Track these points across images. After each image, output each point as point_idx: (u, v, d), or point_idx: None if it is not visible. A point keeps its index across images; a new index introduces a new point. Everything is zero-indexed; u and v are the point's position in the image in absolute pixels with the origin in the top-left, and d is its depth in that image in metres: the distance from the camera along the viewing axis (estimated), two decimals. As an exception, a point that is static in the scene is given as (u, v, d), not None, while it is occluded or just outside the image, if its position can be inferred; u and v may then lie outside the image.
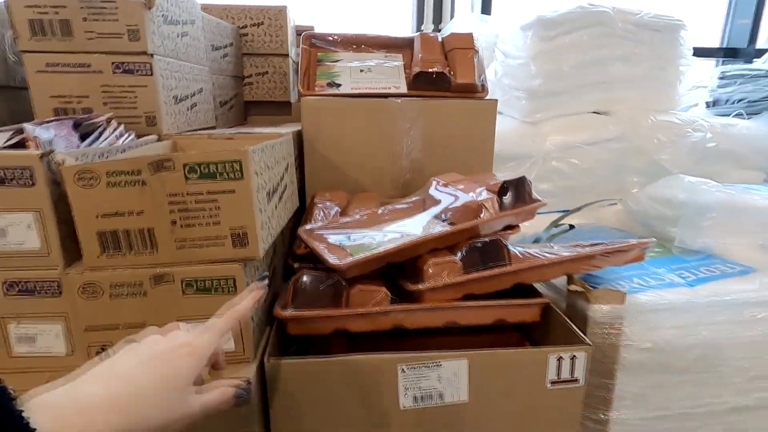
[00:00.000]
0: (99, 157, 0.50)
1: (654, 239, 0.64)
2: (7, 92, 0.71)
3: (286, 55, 1.20)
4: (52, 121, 0.55)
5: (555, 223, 0.94)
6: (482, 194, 0.66)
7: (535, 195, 0.69)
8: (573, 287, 0.65)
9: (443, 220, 0.65)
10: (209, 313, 0.47)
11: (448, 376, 0.52)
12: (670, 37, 1.12)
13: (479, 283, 0.58)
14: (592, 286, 0.64)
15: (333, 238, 0.62)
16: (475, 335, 0.65)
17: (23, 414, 0.23)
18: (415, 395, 0.52)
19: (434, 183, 0.75)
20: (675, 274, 0.72)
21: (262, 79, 1.22)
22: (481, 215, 0.61)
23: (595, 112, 1.14)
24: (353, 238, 0.63)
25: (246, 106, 1.24)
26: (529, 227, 1.01)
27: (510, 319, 0.59)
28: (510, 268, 0.58)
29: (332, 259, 0.55)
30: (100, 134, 0.59)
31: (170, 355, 0.31)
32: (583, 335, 0.54)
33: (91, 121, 0.60)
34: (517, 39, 1.10)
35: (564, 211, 1.00)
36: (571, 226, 0.94)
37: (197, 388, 0.31)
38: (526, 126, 1.11)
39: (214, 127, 0.95)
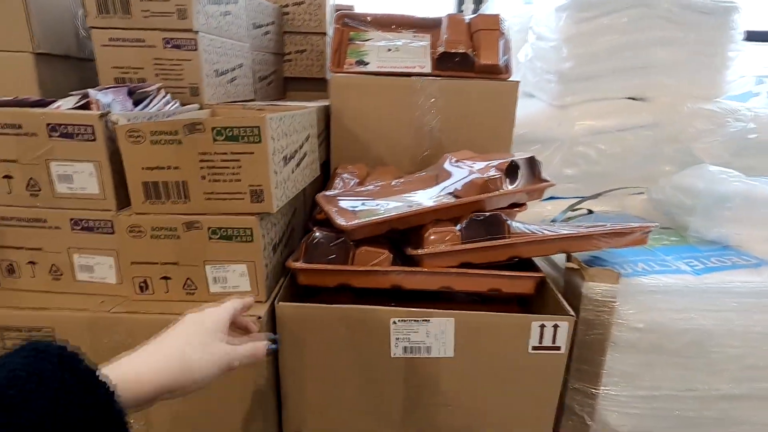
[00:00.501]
0: (146, 119, 0.59)
1: (657, 223, 0.66)
2: (78, 63, 0.82)
3: (324, 34, 1.26)
4: (110, 87, 0.65)
5: (572, 207, 0.95)
6: (490, 171, 0.69)
7: (544, 175, 0.71)
8: (570, 264, 0.67)
9: (450, 194, 0.69)
10: (230, 258, 0.55)
11: (436, 332, 0.57)
12: (720, 21, 1.06)
13: (476, 252, 0.62)
14: (589, 266, 0.66)
15: (345, 204, 0.69)
16: (473, 306, 0.70)
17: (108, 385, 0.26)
18: (405, 346, 0.58)
19: (448, 159, 0.79)
20: (683, 261, 0.72)
21: (300, 56, 1.29)
22: (487, 192, 0.65)
23: (629, 98, 1.11)
24: (365, 205, 0.69)
25: (285, 82, 1.32)
26: (552, 211, 1.03)
27: (505, 289, 0.63)
28: (506, 241, 0.62)
29: (340, 221, 0.61)
30: (151, 101, 0.68)
31: (202, 317, 0.38)
32: (568, 307, 0.57)
33: (143, 90, 0.69)
34: (551, 20, 1.08)
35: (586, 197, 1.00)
36: (590, 211, 0.95)
37: (233, 344, 0.38)
38: (554, 109, 1.10)
39: (253, 100, 1.04)
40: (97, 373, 0.26)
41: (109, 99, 0.61)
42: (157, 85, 0.71)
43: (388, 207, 0.65)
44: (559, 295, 0.60)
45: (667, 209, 0.91)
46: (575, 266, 0.66)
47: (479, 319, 0.57)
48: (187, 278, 0.57)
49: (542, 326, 0.56)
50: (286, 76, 1.31)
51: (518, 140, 0.96)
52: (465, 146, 0.85)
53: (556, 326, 0.56)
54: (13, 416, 0.21)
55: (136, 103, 0.67)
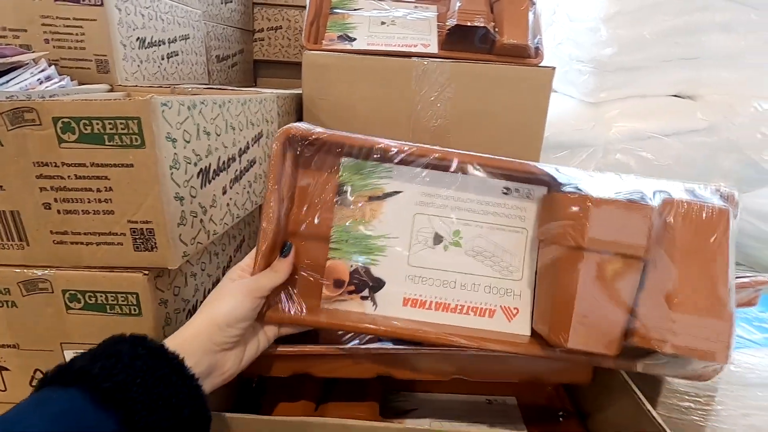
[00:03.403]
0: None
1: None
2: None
3: (304, 8, 1.03)
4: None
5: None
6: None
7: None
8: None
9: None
10: (105, 338, 0.32)
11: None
12: (793, 1, 0.86)
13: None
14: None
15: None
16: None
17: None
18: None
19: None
20: (790, 324, 0.51)
21: (274, 34, 1.05)
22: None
23: (676, 96, 0.91)
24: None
25: (256, 66, 1.08)
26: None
27: (546, 379, 0.41)
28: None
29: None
30: (17, 76, 0.44)
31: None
32: (658, 418, 0.36)
33: (8, 59, 0.45)
34: (586, -4, 0.87)
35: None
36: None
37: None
38: (585, 107, 0.89)
39: (205, 85, 0.80)
40: (165, 346, 0.28)
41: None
42: (32, 54, 0.48)
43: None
44: (638, 391, 0.39)
45: (739, 240, 0.70)
46: (653, 340, 0.44)
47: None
48: (36, 369, 0.34)
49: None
50: (257, 58, 1.07)
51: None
52: (481, 151, 0.63)
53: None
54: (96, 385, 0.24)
55: (-9, 79, 0.43)
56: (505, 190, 0.38)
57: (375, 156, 0.37)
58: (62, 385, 0.24)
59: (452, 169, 0.37)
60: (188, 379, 0.28)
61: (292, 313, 0.35)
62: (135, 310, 0.32)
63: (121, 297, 0.32)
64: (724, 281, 0.31)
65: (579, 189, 0.34)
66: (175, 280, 0.35)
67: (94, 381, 0.24)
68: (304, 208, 0.37)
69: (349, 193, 0.38)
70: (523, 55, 0.66)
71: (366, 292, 0.37)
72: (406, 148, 0.37)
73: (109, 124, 0.28)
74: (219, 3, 0.86)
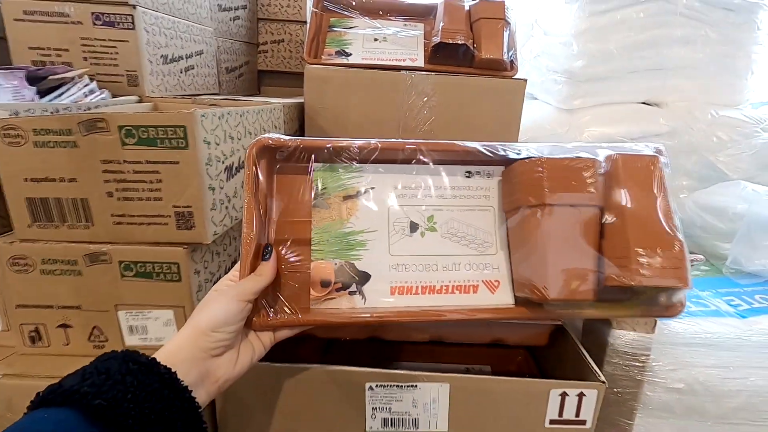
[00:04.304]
0: (38, 113, 0.44)
1: (701, 256, 0.53)
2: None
3: (304, 23, 1.12)
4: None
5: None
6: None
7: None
8: (592, 306, 0.54)
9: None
10: (151, 301, 0.41)
11: (426, 401, 0.44)
12: (744, 19, 0.95)
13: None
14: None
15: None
16: (471, 346, 0.56)
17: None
18: (385, 418, 0.44)
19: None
20: (723, 300, 0.60)
21: (277, 47, 1.14)
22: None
23: (644, 103, 1.00)
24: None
25: (260, 76, 1.17)
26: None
27: (510, 341, 0.50)
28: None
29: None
30: (67, 90, 0.53)
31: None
32: (597, 369, 0.44)
33: (56, 75, 0.54)
34: (560, 13, 0.96)
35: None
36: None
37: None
38: (560, 113, 0.98)
39: (216, 95, 0.89)
40: (156, 360, 0.28)
41: (-3, 84, 0.46)
42: (77, 71, 0.56)
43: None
44: (583, 350, 0.47)
45: (691, 231, 0.79)
46: (599, 309, 0.53)
47: (481, 385, 0.44)
48: (94, 327, 0.43)
49: (563, 395, 0.43)
50: (261, 69, 1.16)
51: (521, 148, 0.83)
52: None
53: (581, 395, 0.43)
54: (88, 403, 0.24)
55: (45, 93, 0.52)
56: (467, 174, 0.41)
57: (344, 156, 0.39)
58: (54, 405, 0.24)
59: (415, 160, 0.40)
60: (181, 392, 0.27)
61: (284, 317, 0.36)
62: (176, 277, 0.41)
63: (165, 266, 0.40)
64: (670, 216, 0.34)
65: (531, 156, 0.38)
66: (205, 255, 0.44)
67: (84, 399, 0.24)
68: (283, 215, 0.38)
69: (324, 196, 0.39)
70: (499, 68, 0.75)
71: (354, 287, 0.38)
72: (371, 144, 0.39)
73: (161, 130, 0.36)
74: (228, 20, 0.95)
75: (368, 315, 0.37)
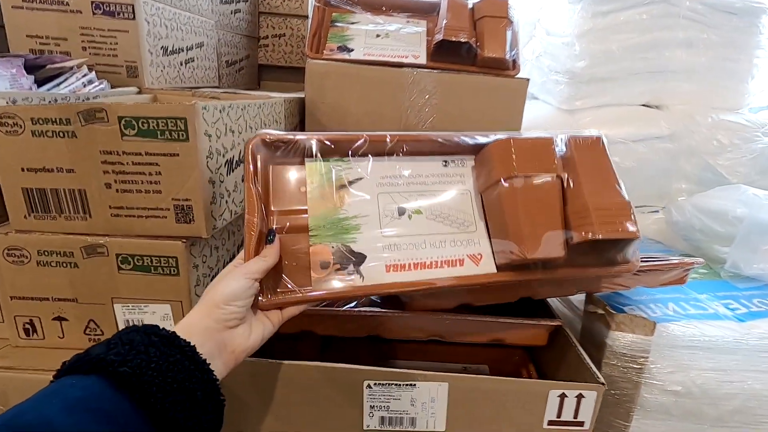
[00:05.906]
0: (34, 102, 0.43)
1: (701, 260, 0.53)
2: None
3: (306, 17, 1.11)
4: None
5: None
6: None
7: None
8: (591, 308, 0.54)
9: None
10: (148, 295, 0.40)
11: (424, 401, 0.44)
12: (747, 23, 0.95)
13: (477, 293, 0.49)
14: (615, 308, 0.53)
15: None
16: (469, 345, 0.56)
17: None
18: (383, 416, 0.44)
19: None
20: (720, 302, 0.60)
21: (278, 41, 1.13)
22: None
23: (645, 105, 1.00)
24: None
25: (260, 70, 1.16)
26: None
27: (509, 340, 0.50)
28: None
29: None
30: (65, 80, 0.52)
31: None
32: (596, 370, 0.44)
33: (57, 65, 0.53)
34: (562, 13, 0.96)
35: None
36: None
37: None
38: (561, 114, 0.98)
39: (216, 88, 0.88)
40: (177, 334, 0.29)
41: (-5, 72, 0.46)
42: (76, 61, 0.56)
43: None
44: (582, 352, 0.47)
45: (690, 234, 0.79)
46: (599, 310, 0.53)
47: (481, 385, 0.43)
48: (90, 320, 0.42)
49: (562, 396, 0.43)
50: (261, 63, 1.15)
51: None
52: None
53: (580, 396, 0.43)
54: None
55: (43, 82, 0.51)
56: (444, 163, 0.46)
57: (336, 149, 0.43)
58: (80, 372, 0.25)
59: (399, 152, 0.44)
60: (200, 364, 0.29)
61: (288, 296, 0.38)
62: (174, 270, 0.40)
63: (163, 260, 0.40)
64: (616, 180, 0.41)
65: (499, 138, 0.44)
66: (204, 250, 0.43)
67: (110, 366, 0.25)
68: (281, 204, 0.40)
69: (318, 186, 0.42)
70: (502, 67, 0.75)
71: (351, 268, 0.40)
72: (360, 137, 0.43)
73: (162, 122, 0.36)
74: (229, 13, 0.94)
75: (369, 288, 0.40)
